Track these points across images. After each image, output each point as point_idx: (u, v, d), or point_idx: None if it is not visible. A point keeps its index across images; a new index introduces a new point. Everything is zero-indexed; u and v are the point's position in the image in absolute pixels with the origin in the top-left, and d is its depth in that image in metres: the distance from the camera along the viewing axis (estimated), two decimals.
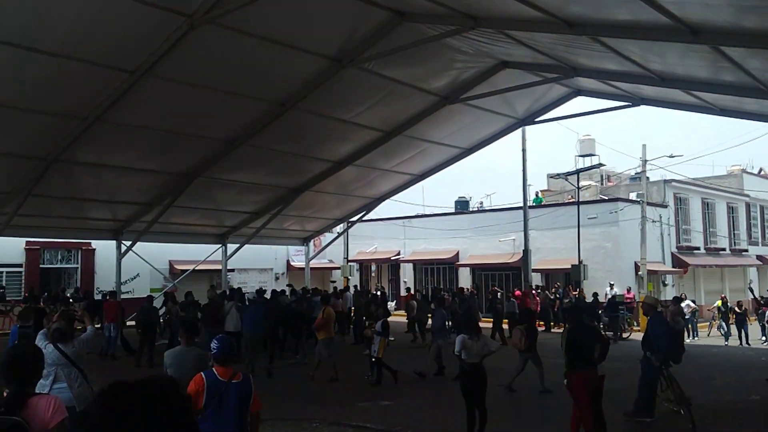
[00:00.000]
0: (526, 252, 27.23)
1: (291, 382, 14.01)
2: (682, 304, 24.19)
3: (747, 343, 22.43)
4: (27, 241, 25.62)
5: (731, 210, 37.06)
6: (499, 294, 25.51)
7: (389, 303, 23.67)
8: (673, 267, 31.80)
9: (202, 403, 4.88)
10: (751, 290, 21.59)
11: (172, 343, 15.20)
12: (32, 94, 12.01)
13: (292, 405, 11.58)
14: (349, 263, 34.11)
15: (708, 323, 26.74)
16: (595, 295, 24.59)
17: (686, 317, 23.80)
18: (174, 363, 6.39)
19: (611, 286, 27.01)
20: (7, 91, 11.79)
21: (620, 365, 13.01)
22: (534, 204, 31.55)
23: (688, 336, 22.88)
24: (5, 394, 3.42)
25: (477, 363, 8.92)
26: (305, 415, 10.83)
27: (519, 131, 23.53)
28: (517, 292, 25.66)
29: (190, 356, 6.48)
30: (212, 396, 4.91)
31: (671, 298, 22.07)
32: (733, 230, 37.09)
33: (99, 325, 16.30)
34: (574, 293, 26.08)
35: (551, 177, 37.19)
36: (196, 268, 24.81)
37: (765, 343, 22.59)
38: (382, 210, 28.24)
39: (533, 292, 26.24)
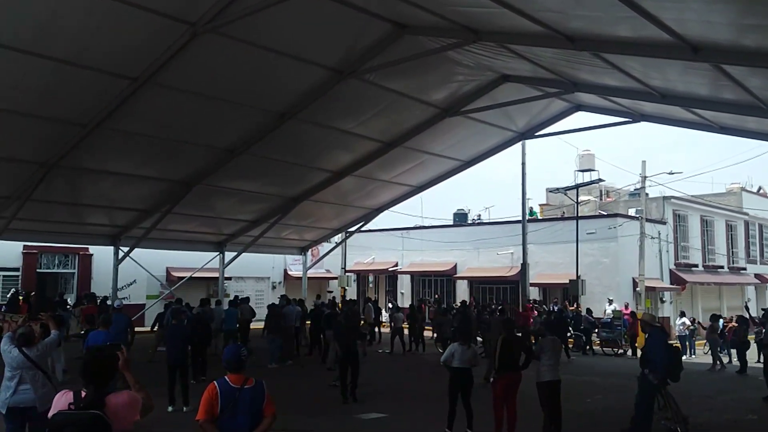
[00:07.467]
0: (524, 266, 27.22)
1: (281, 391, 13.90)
2: (678, 321, 24.17)
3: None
4: (24, 245, 25.59)
5: (730, 228, 37.04)
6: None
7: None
8: (671, 284, 31.76)
9: (218, 410, 5.07)
10: (747, 309, 21.51)
11: None
12: (34, 99, 12.00)
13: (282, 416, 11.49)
14: (347, 273, 34.04)
15: (705, 341, 26.65)
16: (589, 310, 24.61)
17: (683, 335, 23.77)
18: None
19: (610, 301, 26.96)
20: (9, 96, 11.76)
21: (617, 382, 12.96)
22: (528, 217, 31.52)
23: (686, 354, 22.79)
24: (83, 394, 3.78)
25: (463, 368, 10.11)
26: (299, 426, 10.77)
27: (519, 145, 23.60)
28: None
29: None
30: (227, 403, 5.08)
31: (710, 316, 22.20)
32: (732, 248, 37.04)
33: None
34: (572, 308, 26.03)
35: (550, 191, 37.17)
36: (193, 276, 24.76)
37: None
38: (380, 221, 28.26)
39: (528, 306, 26.18)
